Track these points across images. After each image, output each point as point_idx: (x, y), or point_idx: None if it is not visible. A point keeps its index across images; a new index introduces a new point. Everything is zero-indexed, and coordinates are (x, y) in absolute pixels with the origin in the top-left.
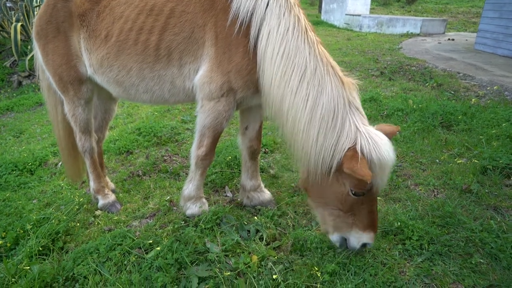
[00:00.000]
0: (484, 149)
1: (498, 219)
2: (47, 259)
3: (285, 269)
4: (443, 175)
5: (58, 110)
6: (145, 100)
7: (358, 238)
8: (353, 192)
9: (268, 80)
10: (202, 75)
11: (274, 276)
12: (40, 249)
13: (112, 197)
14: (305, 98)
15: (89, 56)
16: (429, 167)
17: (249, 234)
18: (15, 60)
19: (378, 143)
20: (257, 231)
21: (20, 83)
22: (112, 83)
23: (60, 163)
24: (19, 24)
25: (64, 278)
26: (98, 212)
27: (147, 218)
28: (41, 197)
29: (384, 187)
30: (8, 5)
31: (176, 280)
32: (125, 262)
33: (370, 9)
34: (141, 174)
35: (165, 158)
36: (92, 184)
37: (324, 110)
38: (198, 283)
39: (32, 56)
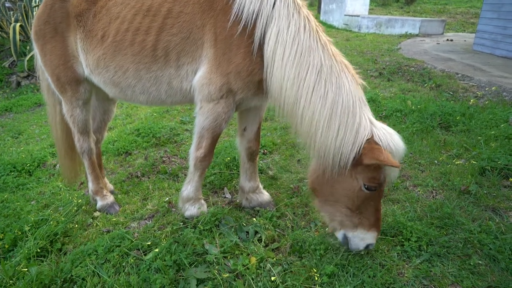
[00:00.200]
0: (483, 150)
1: (497, 220)
2: (45, 261)
3: (284, 271)
4: (441, 176)
5: (57, 110)
6: (142, 101)
7: (362, 238)
8: (366, 186)
9: (279, 81)
10: (201, 76)
11: (273, 278)
12: (38, 250)
13: (110, 198)
14: (324, 96)
15: (85, 57)
16: (428, 168)
17: (247, 236)
18: (14, 61)
19: (392, 134)
20: (256, 232)
21: (19, 84)
22: (109, 83)
23: (58, 164)
24: (18, 24)
25: (62, 280)
26: (96, 214)
27: (146, 219)
28: (39, 198)
29: (395, 179)
30: (7, 5)
31: (174, 282)
32: (124, 264)
33: (369, 9)
34: (139, 175)
35: (164, 159)
36: (90, 185)
37: (344, 106)
38: (197, 285)
39: (31, 56)
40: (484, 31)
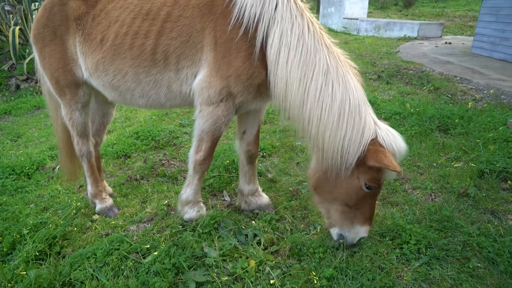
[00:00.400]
0: (481, 153)
1: (496, 223)
2: (44, 264)
3: (283, 274)
4: (440, 179)
5: (58, 113)
6: (141, 104)
7: (356, 233)
8: (366, 186)
9: (283, 82)
10: (200, 80)
11: (272, 281)
12: (37, 254)
13: (109, 201)
14: (332, 96)
15: (84, 60)
16: (427, 170)
17: (247, 239)
18: (13, 64)
19: (395, 135)
20: (255, 235)
21: (18, 87)
22: (108, 87)
23: (57, 167)
24: (17, 27)
25: (60, 283)
26: (95, 217)
27: (145, 222)
28: (38, 202)
29: (393, 180)
30: (6, 8)
31: (173, 285)
32: (122, 267)
33: (368, 12)
34: (139, 178)
35: (163, 162)
36: (89, 188)
37: (352, 106)
38: None
39: (30, 59)
40: (483, 34)
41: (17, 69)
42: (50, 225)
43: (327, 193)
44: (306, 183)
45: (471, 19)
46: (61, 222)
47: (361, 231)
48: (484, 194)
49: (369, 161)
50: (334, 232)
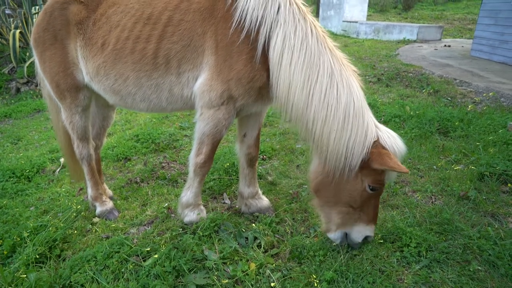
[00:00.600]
0: (481, 156)
1: (496, 226)
2: (44, 267)
3: (283, 277)
4: (440, 182)
5: (59, 117)
6: (142, 108)
7: (361, 231)
8: (371, 187)
9: (286, 84)
10: (201, 83)
11: (272, 284)
12: (37, 256)
13: (109, 204)
14: (337, 98)
15: (85, 64)
16: (427, 173)
17: (247, 242)
18: (13, 67)
19: (395, 137)
20: (255, 238)
21: (18, 90)
22: (109, 91)
23: (58, 170)
24: (18, 31)
25: (61, 286)
26: (95, 219)
27: (145, 225)
28: (38, 204)
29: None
30: (7, 12)
31: None
32: (123, 270)
33: (367, 16)
34: (139, 181)
35: (163, 164)
36: (89, 191)
37: (356, 108)
38: None
39: (31, 63)
40: (482, 37)
41: (17, 72)
42: (51, 228)
43: (329, 196)
44: (306, 186)
45: (470, 22)
46: (62, 225)
47: (367, 230)
48: (484, 197)
49: (374, 164)
50: (336, 235)
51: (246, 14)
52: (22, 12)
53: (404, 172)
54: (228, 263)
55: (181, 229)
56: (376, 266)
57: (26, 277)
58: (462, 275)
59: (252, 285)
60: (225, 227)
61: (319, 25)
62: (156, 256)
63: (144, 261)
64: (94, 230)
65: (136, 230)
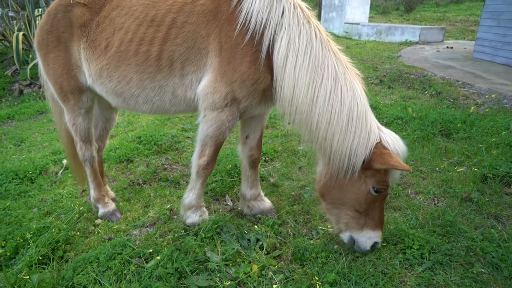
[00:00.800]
0: (484, 158)
1: (499, 228)
2: (47, 268)
3: (286, 279)
4: (443, 184)
5: (62, 119)
6: (145, 110)
7: (369, 237)
8: (375, 189)
9: (290, 87)
10: (205, 85)
11: (275, 286)
12: (40, 258)
13: (112, 205)
14: (341, 101)
15: (88, 66)
16: (429, 175)
17: (249, 243)
18: (16, 69)
19: (397, 138)
20: (258, 240)
21: (21, 92)
22: (111, 93)
23: (60, 172)
24: (21, 33)
25: (64, 287)
26: (98, 221)
27: (147, 227)
28: (41, 206)
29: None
30: (10, 14)
31: None
32: (125, 272)
33: (369, 17)
34: (141, 182)
35: (166, 166)
36: (92, 192)
37: (360, 111)
38: None
39: (34, 65)
40: (484, 39)
41: (20, 74)
42: (53, 230)
43: (335, 199)
44: (308, 188)
45: (472, 24)
46: (64, 226)
47: (373, 236)
48: (487, 199)
49: (376, 164)
50: (346, 236)
51: (251, 17)
52: (25, 15)
53: (406, 170)
54: (230, 265)
55: (183, 230)
56: (379, 268)
57: (29, 278)
58: (465, 278)
59: (254, 287)
60: (227, 229)
61: (323, 29)
62: (158, 257)
63: (147, 262)
64: (96, 232)
65: (138, 232)
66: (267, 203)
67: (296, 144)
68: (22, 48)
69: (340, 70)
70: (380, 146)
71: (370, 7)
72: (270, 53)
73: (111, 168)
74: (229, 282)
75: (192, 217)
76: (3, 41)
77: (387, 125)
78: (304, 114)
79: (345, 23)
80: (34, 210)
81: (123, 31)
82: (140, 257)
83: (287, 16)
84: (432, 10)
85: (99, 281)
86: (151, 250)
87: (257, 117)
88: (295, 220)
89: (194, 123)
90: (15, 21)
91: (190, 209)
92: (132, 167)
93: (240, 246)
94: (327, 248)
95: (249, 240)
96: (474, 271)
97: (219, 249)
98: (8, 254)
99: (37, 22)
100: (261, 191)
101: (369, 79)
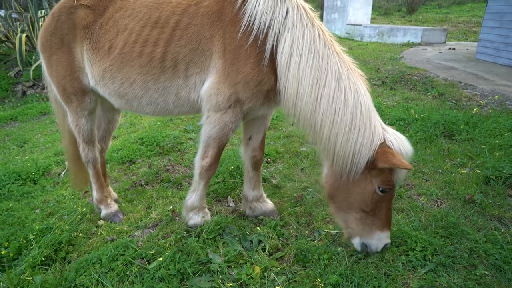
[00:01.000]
0: (487, 159)
1: (502, 230)
2: (50, 270)
3: (288, 280)
4: (446, 185)
5: (65, 120)
6: (148, 112)
7: (379, 239)
8: (380, 189)
9: (294, 88)
10: (209, 86)
11: None
12: (43, 259)
13: (114, 207)
14: (345, 101)
15: (91, 68)
16: (432, 177)
17: (251, 245)
18: (19, 70)
19: (402, 138)
20: (260, 241)
21: (24, 93)
22: (114, 95)
23: (63, 173)
24: (24, 34)
25: None
26: (100, 222)
27: (150, 228)
28: (44, 207)
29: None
30: (13, 16)
31: None
32: (128, 273)
33: (371, 18)
34: (143, 183)
35: (168, 167)
36: (95, 194)
37: (363, 111)
38: None
39: (37, 66)
40: (487, 40)
41: (23, 76)
42: (56, 231)
43: (342, 201)
44: (310, 189)
45: (475, 25)
46: (67, 227)
47: (383, 237)
48: (490, 201)
49: (379, 163)
50: (356, 242)
51: (255, 18)
52: (28, 16)
53: (407, 169)
54: (232, 266)
55: (185, 232)
56: (381, 270)
57: (32, 279)
58: (468, 280)
59: None
60: (229, 230)
61: (327, 30)
62: (160, 259)
63: (149, 264)
64: (99, 233)
65: (140, 233)
66: (269, 204)
67: (298, 146)
68: (25, 50)
69: (343, 70)
70: (384, 146)
71: (372, 8)
72: (274, 54)
73: (114, 169)
74: (231, 284)
75: (195, 219)
76: (7, 43)
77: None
78: (308, 115)
79: (347, 24)
80: (37, 211)
81: (127, 32)
82: (143, 258)
83: (290, 17)
84: (434, 11)
85: (101, 282)
86: (153, 252)
87: (260, 118)
88: (297, 222)
89: (196, 124)
90: (18, 23)
91: (193, 211)
92: (135, 168)
93: (242, 247)
94: (329, 250)
95: (251, 241)
96: (477, 273)
97: (221, 251)
98: (11, 255)
99: (40, 23)
100: (263, 193)
101: (371, 80)
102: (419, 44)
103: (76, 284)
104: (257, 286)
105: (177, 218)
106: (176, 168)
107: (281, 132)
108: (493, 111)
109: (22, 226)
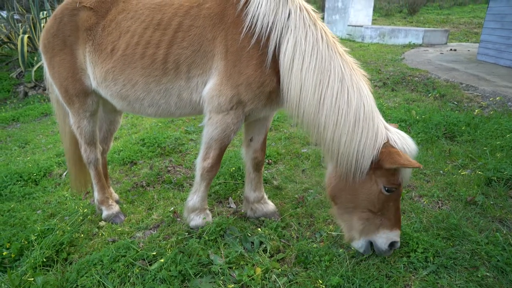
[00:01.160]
0: (488, 160)
1: (504, 232)
2: (51, 271)
3: (289, 282)
4: (447, 187)
5: (66, 122)
6: (150, 113)
7: (386, 238)
8: (386, 188)
9: (297, 89)
10: (211, 88)
11: None
12: (44, 260)
13: (116, 208)
14: (348, 102)
15: (93, 70)
16: (433, 178)
17: (252, 246)
18: (21, 71)
19: (405, 137)
20: (261, 243)
21: (26, 94)
22: (116, 97)
23: (64, 173)
24: (26, 36)
25: None
26: (102, 223)
27: (151, 229)
28: (45, 208)
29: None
30: (15, 17)
31: None
32: (129, 274)
33: (372, 20)
34: (145, 185)
35: (169, 169)
36: (96, 195)
37: (367, 111)
38: None
39: (38, 67)
40: (488, 41)
41: (25, 77)
42: (57, 232)
43: (347, 202)
44: (312, 191)
45: (476, 26)
46: (68, 228)
47: (392, 235)
48: (492, 202)
49: (385, 164)
50: (359, 244)
51: (257, 20)
52: (30, 17)
53: (416, 167)
54: (234, 267)
55: (187, 233)
56: (383, 272)
57: (33, 280)
58: (470, 281)
59: None
60: (230, 232)
61: (329, 31)
62: (162, 260)
63: (150, 265)
64: (100, 234)
65: (142, 234)
66: (270, 205)
67: (299, 147)
68: (27, 51)
69: (346, 71)
70: (388, 146)
71: (373, 10)
72: (276, 55)
73: (115, 170)
74: (232, 285)
75: (196, 220)
76: (8, 44)
77: None
78: (311, 116)
79: (348, 25)
80: (38, 212)
81: (129, 34)
82: (144, 259)
83: (293, 19)
84: (435, 12)
85: (103, 283)
86: (154, 253)
87: (261, 119)
88: (299, 223)
89: (198, 125)
90: (20, 24)
91: (194, 212)
92: (136, 169)
93: (244, 249)
94: (330, 251)
95: (252, 243)
96: (479, 275)
97: (222, 252)
98: (13, 256)
99: (42, 24)
100: (265, 194)
101: (372, 81)
102: (420, 45)
103: (77, 285)
104: None
105: (178, 219)
106: (178, 169)
107: (282, 134)
108: (495, 113)
109: (23, 227)
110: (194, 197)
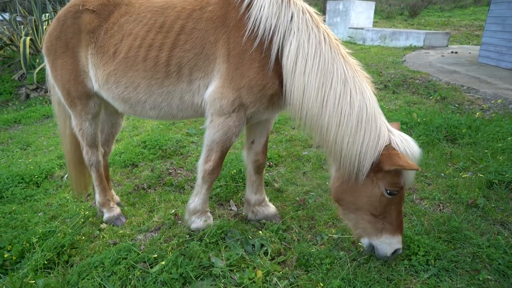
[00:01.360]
0: (490, 163)
1: (506, 235)
2: (52, 273)
3: (290, 285)
4: (448, 189)
5: (66, 124)
6: (152, 116)
7: (389, 244)
8: (388, 191)
9: (300, 91)
10: (213, 91)
11: None
12: (46, 262)
13: (117, 210)
14: (351, 104)
15: (95, 72)
16: (434, 181)
17: (253, 249)
18: (23, 73)
19: (408, 140)
20: (262, 245)
21: (28, 96)
22: (118, 99)
23: (66, 176)
24: (28, 38)
25: None
26: (103, 226)
27: (152, 231)
28: (47, 210)
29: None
30: (17, 19)
31: None
32: (130, 277)
33: (373, 22)
34: (146, 187)
35: (170, 171)
36: (97, 197)
37: (369, 113)
38: None
39: (40, 69)
40: (489, 44)
41: (27, 79)
42: (59, 234)
43: (350, 204)
44: (313, 193)
45: (477, 28)
46: (70, 230)
47: (394, 241)
48: (493, 205)
49: (385, 166)
50: (366, 242)
51: (260, 23)
52: (33, 19)
53: (414, 169)
54: (235, 270)
55: (188, 235)
56: (384, 275)
57: (34, 283)
58: (471, 285)
59: None
60: (231, 234)
61: (332, 33)
62: (163, 262)
63: (151, 267)
64: (101, 236)
65: (143, 237)
66: (271, 208)
67: (300, 149)
68: (29, 53)
69: (349, 73)
70: (389, 148)
71: (375, 12)
72: (279, 58)
73: (116, 172)
74: None
75: (197, 222)
76: (11, 46)
77: None
78: (314, 118)
79: (350, 28)
80: (39, 214)
81: (132, 37)
82: (145, 262)
83: (296, 21)
84: (436, 15)
85: (104, 286)
86: (155, 255)
87: (263, 122)
88: (300, 226)
89: (199, 128)
90: (22, 26)
91: (195, 214)
92: (137, 171)
93: (245, 251)
94: (332, 254)
95: (253, 245)
96: (481, 278)
97: (223, 255)
98: (14, 258)
99: (45, 27)
100: (266, 196)
101: (373, 84)
102: (421, 47)
103: None
104: None
105: (180, 221)
106: (179, 171)
107: (283, 136)
108: (496, 115)
109: (25, 229)
110: (196, 200)
